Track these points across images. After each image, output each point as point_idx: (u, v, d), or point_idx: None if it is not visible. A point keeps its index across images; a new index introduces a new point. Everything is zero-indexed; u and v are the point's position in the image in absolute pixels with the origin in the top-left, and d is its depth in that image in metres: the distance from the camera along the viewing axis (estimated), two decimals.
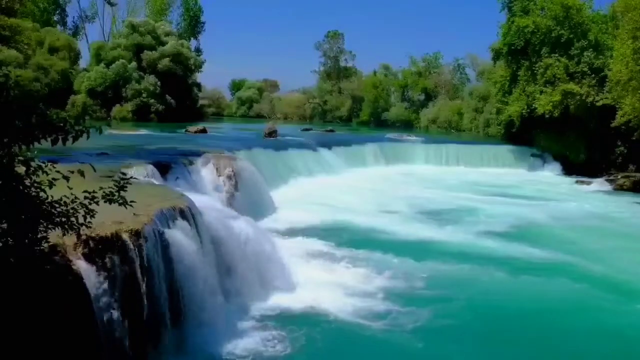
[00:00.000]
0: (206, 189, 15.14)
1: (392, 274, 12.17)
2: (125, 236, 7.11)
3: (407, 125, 59.43)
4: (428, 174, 29.84)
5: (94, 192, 5.73)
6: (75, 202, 5.64)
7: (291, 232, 15.38)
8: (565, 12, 32.46)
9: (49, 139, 5.21)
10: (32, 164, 5.22)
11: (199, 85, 59.04)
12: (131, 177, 6.34)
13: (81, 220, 5.68)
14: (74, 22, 68.98)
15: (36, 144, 5.25)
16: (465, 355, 8.91)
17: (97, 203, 5.74)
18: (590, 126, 31.94)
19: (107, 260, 6.75)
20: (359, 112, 67.65)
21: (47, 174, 5.34)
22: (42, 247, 5.60)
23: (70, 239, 6.15)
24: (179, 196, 10.02)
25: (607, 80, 29.74)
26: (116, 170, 10.54)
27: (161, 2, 67.76)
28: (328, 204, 19.97)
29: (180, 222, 8.65)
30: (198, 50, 68.40)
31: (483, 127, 46.65)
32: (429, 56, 66.72)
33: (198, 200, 10.15)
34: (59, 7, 65.70)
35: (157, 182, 12.96)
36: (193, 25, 71.89)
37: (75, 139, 5.24)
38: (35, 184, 5.32)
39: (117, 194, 5.85)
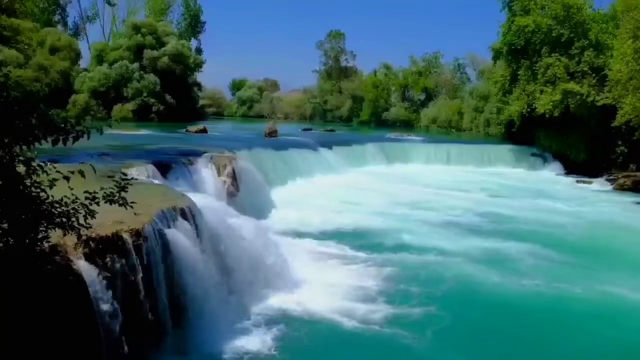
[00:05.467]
0: (207, 189, 15.13)
1: (394, 274, 12.16)
2: (125, 236, 7.12)
3: (407, 125, 59.47)
4: (429, 174, 29.79)
5: (94, 192, 5.74)
6: (76, 202, 5.65)
7: (291, 232, 15.37)
8: (565, 12, 32.43)
9: (49, 139, 5.22)
10: (33, 164, 5.23)
11: (199, 85, 59.09)
12: (132, 178, 6.34)
13: (82, 220, 5.69)
14: (74, 22, 69.18)
15: (37, 144, 5.26)
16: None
17: (97, 203, 5.75)
18: (590, 126, 31.93)
19: (107, 260, 6.76)
20: (359, 112, 67.64)
21: (48, 174, 5.35)
22: (42, 247, 5.61)
23: (70, 239, 6.16)
24: (179, 196, 10.03)
25: (607, 79, 29.72)
26: (117, 170, 10.53)
27: (161, 1, 67.81)
28: (328, 203, 19.96)
29: (181, 221, 8.65)
30: (198, 50, 68.54)
31: (483, 127, 46.69)
32: (429, 56, 66.78)
33: (198, 200, 10.15)
34: (60, 7, 65.76)
35: (157, 182, 12.97)
36: (193, 25, 71.98)
37: (75, 139, 5.25)
38: (36, 184, 5.33)
39: (117, 194, 5.86)
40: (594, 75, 31.35)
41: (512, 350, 9.22)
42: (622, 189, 27.95)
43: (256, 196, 17.50)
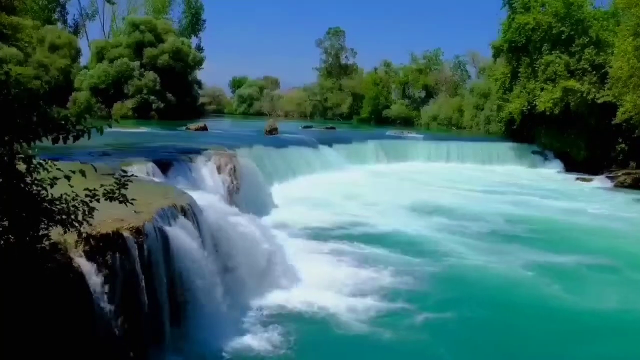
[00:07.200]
0: (207, 187, 15.12)
1: (394, 272, 12.12)
2: (126, 234, 7.11)
3: (407, 123, 59.30)
4: (429, 171, 29.80)
5: (94, 190, 5.75)
6: (76, 199, 5.66)
7: (292, 230, 15.38)
8: (566, 9, 32.42)
9: (49, 138, 5.22)
10: (33, 161, 5.24)
11: (199, 83, 59.07)
12: (132, 175, 6.34)
13: (82, 218, 5.69)
14: (74, 19, 69.17)
15: (37, 142, 5.26)
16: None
17: (97, 201, 5.75)
18: (591, 123, 31.94)
19: (108, 257, 6.75)
20: (359, 110, 67.48)
21: (48, 172, 5.36)
22: (43, 245, 5.61)
23: (71, 237, 6.16)
24: (179, 194, 10.03)
25: (608, 77, 29.70)
26: (117, 168, 10.54)
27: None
28: (328, 201, 19.98)
29: (181, 219, 8.65)
30: (199, 48, 68.44)
31: (484, 124, 46.60)
32: (429, 53, 66.62)
33: (199, 197, 10.15)
34: (59, 5, 65.74)
35: (158, 180, 12.98)
36: (194, 23, 71.92)
37: (76, 138, 5.26)
38: (36, 182, 5.34)
39: (117, 191, 5.86)
40: (594, 72, 31.34)
41: None
42: (622, 186, 28.02)
43: (256, 194, 17.51)
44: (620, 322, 10.24)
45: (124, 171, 6.69)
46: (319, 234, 15.08)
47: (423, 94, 63.75)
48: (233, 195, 16.09)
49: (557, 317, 10.24)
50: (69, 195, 5.61)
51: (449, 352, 8.73)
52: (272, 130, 32.23)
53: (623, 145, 31.08)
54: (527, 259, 13.72)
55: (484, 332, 9.60)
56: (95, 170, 5.79)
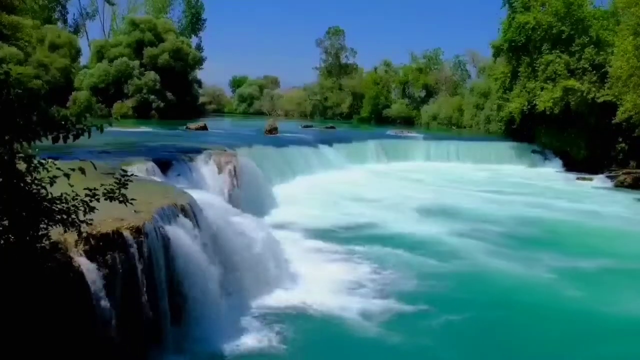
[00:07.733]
0: (207, 186, 15.15)
1: (395, 271, 12.14)
2: (126, 233, 7.12)
3: (408, 122, 59.29)
4: (429, 171, 29.80)
5: (95, 189, 5.74)
6: (77, 199, 5.65)
7: (292, 229, 15.38)
8: (566, 8, 32.40)
9: (50, 137, 5.21)
10: (34, 160, 5.23)
11: (199, 82, 59.09)
12: (132, 175, 6.34)
13: (82, 217, 5.69)
14: (74, 19, 69.23)
15: (37, 141, 5.26)
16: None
17: (97, 200, 5.75)
18: (591, 122, 31.92)
19: (108, 257, 6.76)
20: (359, 109, 67.46)
21: (48, 171, 5.35)
22: (43, 244, 5.61)
23: (71, 236, 6.16)
24: (179, 193, 10.03)
25: (608, 76, 29.69)
26: (117, 168, 10.53)
27: None
28: (329, 201, 19.98)
29: (181, 219, 8.65)
30: (199, 48, 68.46)
31: (484, 124, 46.58)
32: (429, 52, 66.60)
33: (199, 197, 10.15)
34: (59, 4, 65.74)
35: (158, 179, 12.98)
36: (194, 23, 71.95)
37: (76, 137, 5.25)
38: (36, 181, 5.33)
39: (117, 191, 5.86)
40: (594, 72, 31.33)
41: None
42: (622, 186, 28.01)
43: (257, 193, 17.51)
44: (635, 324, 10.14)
45: (124, 170, 6.68)
46: (319, 234, 15.07)
47: (423, 94, 63.69)
48: (233, 194, 16.09)
49: (573, 318, 10.21)
50: (69, 195, 5.60)
51: (453, 353, 8.74)
52: (272, 130, 32.24)
53: (623, 145, 31.06)
54: (532, 257, 13.71)
55: (495, 334, 9.60)
56: (95, 168, 5.78)
